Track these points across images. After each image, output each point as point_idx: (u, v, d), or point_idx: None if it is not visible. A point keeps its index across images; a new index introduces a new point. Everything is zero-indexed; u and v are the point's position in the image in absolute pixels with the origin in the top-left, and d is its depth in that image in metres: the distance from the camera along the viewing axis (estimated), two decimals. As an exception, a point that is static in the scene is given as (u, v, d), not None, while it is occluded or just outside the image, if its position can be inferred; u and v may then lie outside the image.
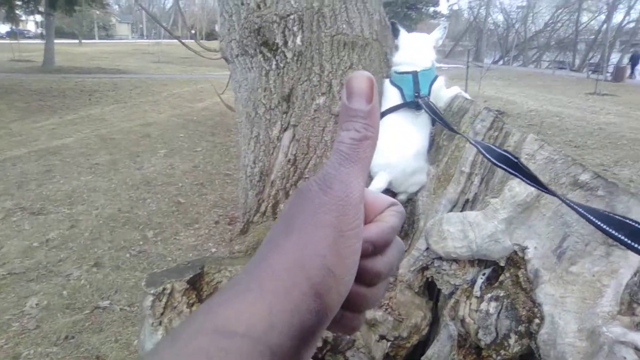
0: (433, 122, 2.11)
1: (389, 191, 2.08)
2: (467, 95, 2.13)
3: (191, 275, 1.77)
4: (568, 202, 0.95)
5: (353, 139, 0.34)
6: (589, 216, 0.90)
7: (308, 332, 0.30)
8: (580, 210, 0.93)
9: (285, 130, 2.23)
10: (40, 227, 4.68)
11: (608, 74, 21.86)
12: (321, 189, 0.33)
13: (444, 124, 1.66)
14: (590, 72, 23.50)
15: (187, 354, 0.27)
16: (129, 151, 7.29)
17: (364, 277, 0.35)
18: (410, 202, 2.08)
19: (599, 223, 0.89)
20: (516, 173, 1.04)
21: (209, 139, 8.28)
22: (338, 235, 0.32)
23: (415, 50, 2.20)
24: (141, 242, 4.46)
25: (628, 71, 23.99)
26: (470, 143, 1.31)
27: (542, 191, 1.00)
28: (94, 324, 3.33)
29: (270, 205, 2.10)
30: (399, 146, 2.02)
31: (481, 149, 1.15)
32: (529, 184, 1.01)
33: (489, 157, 1.11)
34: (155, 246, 4.40)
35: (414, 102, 2.04)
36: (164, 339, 0.29)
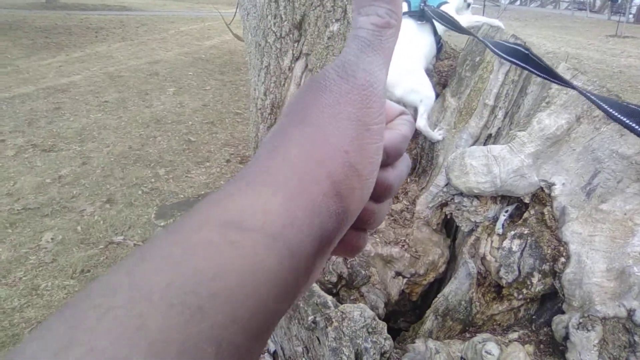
0: (438, 39, 2.03)
1: None
2: (495, 22, 1.99)
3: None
4: (582, 90, 0.88)
5: (375, 24, 0.29)
6: (602, 104, 0.85)
7: (327, 237, 0.26)
8: (593, 98, 0.87)
9: (297, 59, 2.11)
10: (52, 163, 4.66)
11: (631, 16, 20.82)
12: (341, 77, 0.28)
13: (453, 27, 1.55)
14: (611, 14, 22.43)
15: (191, 246, 0.22)
16: (137, 89, 7.17)
17: (375, 190, 0.30)
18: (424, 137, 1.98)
19: (612, 111, 0.84)
20: (528, 67, 0.97)
21: (218, 78, 8.10)
22: (362, 128, 0.28)
23: None
24: (153, 180, 4.43)
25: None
26: (478, 39, 1.22)
27: (556, 82, 0.93)
28: (109, 258, 3.36)
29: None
30: None
31: (490, 45, 1.07)
32: (541, 76, 0.95)
33: (499, 52, 1.03)
34: (167, 184, 4.38)
35: (419, 11, 1.95)
36: (162, 231, 0.24)
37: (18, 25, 12.15)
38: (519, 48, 1.01)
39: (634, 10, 22.13)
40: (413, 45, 1.96)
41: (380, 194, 0.32)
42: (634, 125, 0.81)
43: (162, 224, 1.58)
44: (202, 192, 4.20)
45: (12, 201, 3.98)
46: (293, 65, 2.07)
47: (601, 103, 0.87)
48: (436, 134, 1.94)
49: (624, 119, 0.82)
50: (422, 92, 1.92)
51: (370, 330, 1.30)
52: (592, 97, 0.88)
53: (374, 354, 1.28)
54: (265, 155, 0.28)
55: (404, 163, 0.35)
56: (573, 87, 0.92)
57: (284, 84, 2.08)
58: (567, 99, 1.50)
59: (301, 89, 0.30)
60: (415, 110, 1.97)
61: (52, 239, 3.54)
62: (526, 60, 0.98)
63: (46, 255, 3.36)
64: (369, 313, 1.33)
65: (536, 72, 0.97)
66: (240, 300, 0.21)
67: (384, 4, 0.30)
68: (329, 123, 0.28)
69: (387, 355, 1.32)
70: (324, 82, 0.29)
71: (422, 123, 1.94)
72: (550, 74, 0.94)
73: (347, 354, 1.23)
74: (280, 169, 0.26)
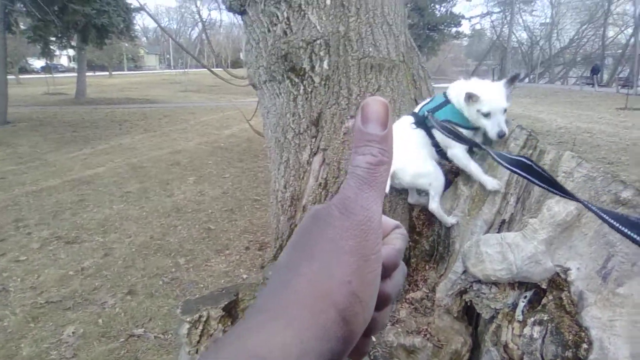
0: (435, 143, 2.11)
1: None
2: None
3: (226, 302, 1.77)
4: (585, 203, 0.93)
5: (369, 163, 0.34)
6: (604, 215, 0.89)
7: (336, 358, 0.30)
8: (595, 209, 0.91)
9: (315, 154, 2.24)
10: (75, 255, 4.76)
11: (638, 88, 21.28)
12: (342, 213, 0.33)
13: (452, 137, 1.64)
14: (619, 87, 23.01)
15: None
16: (159, 179, 7.42)
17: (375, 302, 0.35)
18: (441, 225, 2.04)
19: (613, 222, 0.88)
20: (531, 178, 1.01)
21: (237, 165, 8.36)
22: (362, 260, 0.32)
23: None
24: (173, 269, 4.49)
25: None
26: (482, 148, 1.29)
27: (557, 194, 0.97)
28: (129, 352, 3.35)
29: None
30: (398, 139, 2.00)
31: (494, 156, 1.14)
32: (543, 187, 0.99)
33: (503, 163, 1.09)
34: (187, 273, 4.43)
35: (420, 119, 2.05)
36: None
37: (48, 121, 12.86)
38: (522, 159, 1.06)
39: (640, 82, 22.58)
40: (418, 139, 2.07)
41: (380, 304, 0.36)
42: (635, 236, 0.84)
43: (188, 319, 1.62)
44: (222, 282, 4.23)
45: (35, 295, 4.05)
46: (311, 159, 2.19)
47: (603, 215, 0.91)
48: (449, 218, 2.00)
49: (626, 230, 0.85)
50: (430, 176, 2.02)
51: None
52: (595, 209, 0.92)
53: None
54: (279, 287, 0.33)
55: (400, 273, 0.40)
56: (576, 199, 0.96)
57: (302, 177, 2.19)
58: (573, 186, 1.56)
59: (307, 222, 0.35)
60: (427, 194, 2.05)
61: (73, 332, 3.55)
62: (529, 171, 1.04)
63: (67, 350, 3.36)
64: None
65: (539, 183, 1.01)
66: None
67: (376, 144, 0.34)
68: (334, 257, 0.32)
69: None
70: (327, 219, 0.34)
71: (434, 206, 2.01)
72: (552, 185, 0.99)
73: None
74: (293, 302, 0.31)
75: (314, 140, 2.25)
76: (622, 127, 12.51)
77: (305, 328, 0.30)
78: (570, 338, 1.47)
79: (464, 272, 1.73)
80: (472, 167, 1.97)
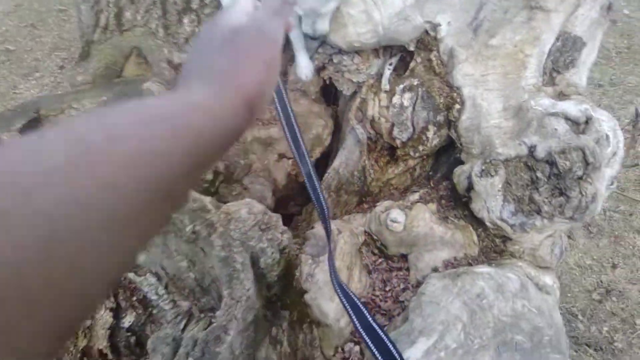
0: None
1: None
2: None
3: (24, 123, 1.33)
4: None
5: None
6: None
7: (239, 132, 0.39)
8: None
9: None
10: None
11: None
12: (260, 31, 0.44)
13: None
14: None
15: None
16: None
17: None
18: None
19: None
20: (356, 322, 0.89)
21: (29, -30, 6.73)
22: (270, 68, 0.43)
23: None
24: (-30, 103, 3.65)
25: None
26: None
27: None
28: None
29: (112, 15, 1.56)
30: None
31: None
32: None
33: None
34: (-10, 105, 3.64)
35: None
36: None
37: None
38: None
39: None
40: None
41: None
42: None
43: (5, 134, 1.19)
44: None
45: None
46: None
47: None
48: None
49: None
50: None
51: (263, 227, 1.09)
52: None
53: (273, 253, 1.09)
54: (203, 67, 0.41)
55: None
56: None
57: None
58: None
59: (225, 32, 0.43)
60: None
61: None
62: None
63: None
64: (259, 208, 1.11)
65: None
66: None
67: None
68: (250, 63, 0.41)
69: (288, 249, 1.14)
70: (245, 34, 0.43)
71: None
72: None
73: (240, 261, 1.02)
74: (218, 79, 0.39)
75: None
76: None
77: (225, 98, 0.37)
78: (441, 101, 1.33)
79: (321, 45, 1.44)
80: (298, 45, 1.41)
